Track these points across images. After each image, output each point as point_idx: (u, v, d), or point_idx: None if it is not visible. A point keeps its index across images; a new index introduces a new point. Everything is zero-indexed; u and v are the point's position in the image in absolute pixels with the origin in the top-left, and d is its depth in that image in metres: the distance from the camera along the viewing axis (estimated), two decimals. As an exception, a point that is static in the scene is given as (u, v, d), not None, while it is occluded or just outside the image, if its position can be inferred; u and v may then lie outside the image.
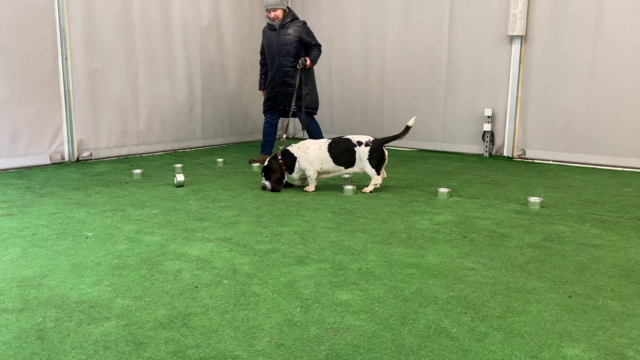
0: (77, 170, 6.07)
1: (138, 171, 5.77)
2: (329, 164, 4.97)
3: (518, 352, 2.22)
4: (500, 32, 7.12)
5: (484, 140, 7.42)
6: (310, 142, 5.10)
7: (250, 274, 3.02)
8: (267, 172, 5.09)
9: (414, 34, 7.83)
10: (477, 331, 2.39)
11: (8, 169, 6.02)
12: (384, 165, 5.04)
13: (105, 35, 6.72)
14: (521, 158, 7.19)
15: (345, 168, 5.00)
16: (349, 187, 5.02)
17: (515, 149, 7.24)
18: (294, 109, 6.26)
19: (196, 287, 2.85)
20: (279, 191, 5.06)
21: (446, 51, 7.59)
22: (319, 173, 5.03)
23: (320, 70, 8.84)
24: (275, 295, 2.75)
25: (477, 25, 7.30)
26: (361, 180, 5.56)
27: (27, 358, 2.16)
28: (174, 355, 2.18)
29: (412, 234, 3.79)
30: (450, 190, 4.98)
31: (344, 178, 5.60)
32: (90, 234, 3.76)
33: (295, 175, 5.09)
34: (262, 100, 6.76)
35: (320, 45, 6.41)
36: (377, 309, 2.60)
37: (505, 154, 7.32)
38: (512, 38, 7.04)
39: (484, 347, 2.25)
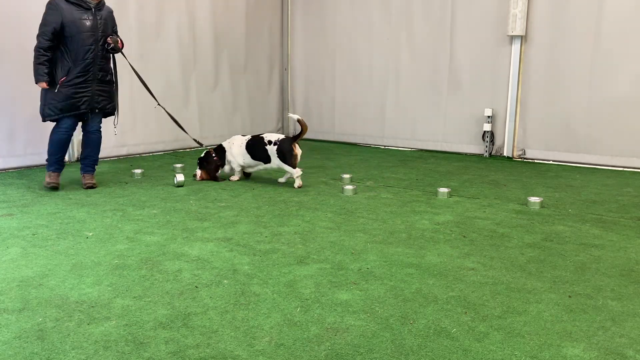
0: (77, 170, 6.06)
1: (138, 171, 5.77)
2: (247, 158, 5.43)
3: (518, 352, 2.22)
4: (500, 32, 7.12)
5: (484, 140, 7.42)
6: (236, 139, 5.52)
7: (250, 274, 3.02)
8: (202, 162, 5.59)
9: (415, 34, 7.82)
10: (477, 331, 2.39)
11: (8, 168, 6.01)
12: (296, 160, 5.25)
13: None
14: (521, 158, 7.18)
15: (264, 163, 5.37)
16: (349, 187, 5.02)
17: (515, 149, 7.24)
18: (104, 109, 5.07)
19: (196, 287, 2.85)
20: (218, 180, 5.53)
21: (447, 51, 7.58)
22: (242, 166, 5.49)
23: (323, 71, 8.85)
24: (275, 295, 2.75)
25: (477, 25, 7.29)
26: (361, 181, 5.57)
27: (27, 358, 2.16)
28: (174, 355, 2.18)
29: (412, 234, 3.79)
30: (450, 190, 4.97)
31: (344, 178, 5.60)
32: (90, 234, 3.76)
33: (226, 167, 5.55)
34: (54, 98, 4.86)
35: None
36: (377, 309, 2.60)
37: (505, 154, 7.31)
38: (512, 38, 7.04)
39: (484, 347, 2.25)
